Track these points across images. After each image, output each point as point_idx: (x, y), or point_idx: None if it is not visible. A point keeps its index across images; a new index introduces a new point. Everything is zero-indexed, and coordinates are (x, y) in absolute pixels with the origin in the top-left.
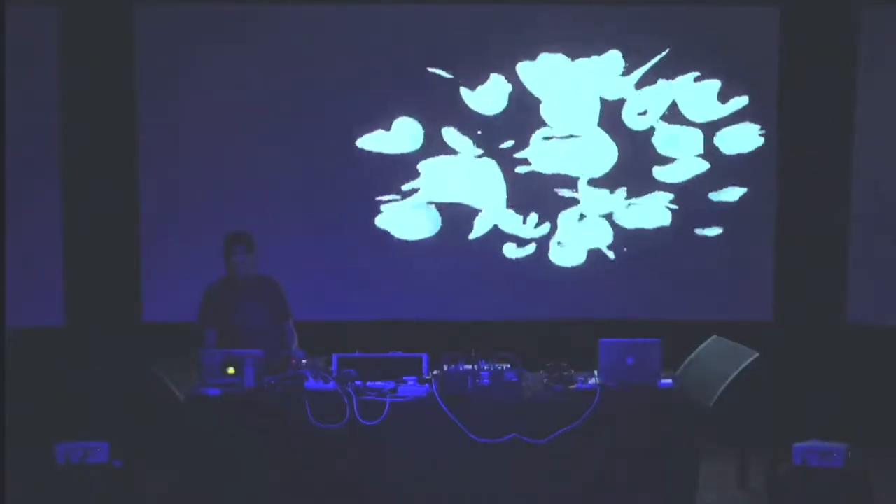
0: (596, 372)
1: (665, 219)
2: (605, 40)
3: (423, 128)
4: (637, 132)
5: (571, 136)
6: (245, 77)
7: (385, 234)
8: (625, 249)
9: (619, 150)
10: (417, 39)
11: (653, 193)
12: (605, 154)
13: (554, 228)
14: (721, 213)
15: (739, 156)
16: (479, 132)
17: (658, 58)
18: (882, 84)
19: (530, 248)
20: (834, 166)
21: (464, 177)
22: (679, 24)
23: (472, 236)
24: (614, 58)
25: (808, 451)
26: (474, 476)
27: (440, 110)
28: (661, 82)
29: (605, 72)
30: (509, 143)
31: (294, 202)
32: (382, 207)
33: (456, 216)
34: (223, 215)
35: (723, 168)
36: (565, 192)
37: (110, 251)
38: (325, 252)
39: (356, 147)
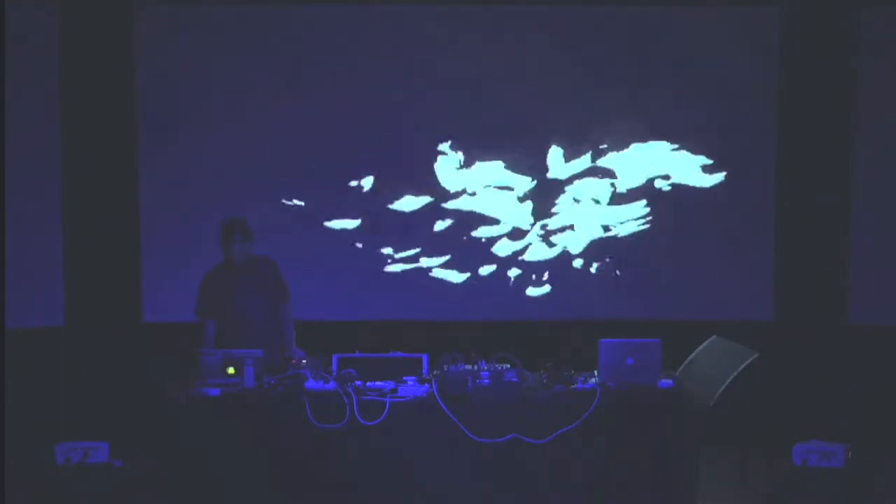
0: (596, 372)
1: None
2: (605, 42)
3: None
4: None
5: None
6: (245, 77)
7: (385, 234)
8: (608, 259)
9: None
10: (421, 38)
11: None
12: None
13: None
14: (721, 212)
15: (739, 156)
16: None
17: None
18: (882, 84)
19: (529, 249)
20: (834, 166)
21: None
22: (679, 24)
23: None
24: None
25: (808, 451)
26: (474, 476)
27: (444, 113)
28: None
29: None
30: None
31: (294, 202)
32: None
33: (459, 218)
34: (223, 215)
35: (722, 167)
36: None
37: (110, 251)
38: (325, 252)
39: (358, 146)
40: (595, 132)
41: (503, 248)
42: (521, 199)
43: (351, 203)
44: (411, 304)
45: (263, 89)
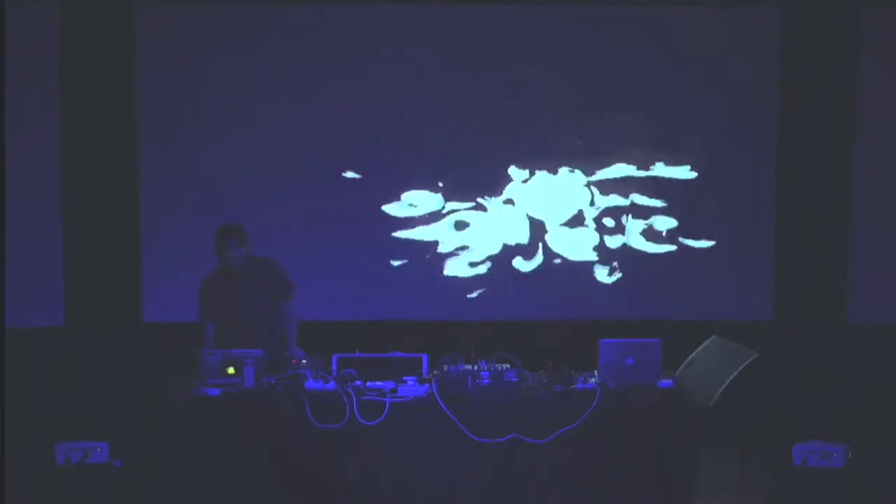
0: (596, 372)
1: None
2: (605, 42)
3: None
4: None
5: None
6: (245, 77)
7: (386, 235)
8: (615, 264)
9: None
10: (421, 38)
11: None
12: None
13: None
14: (721, 213)
15: (739, 156)
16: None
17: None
18: (882, 84)
19: (529, 253)
20: (834, 166)
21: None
22: (679, 24)
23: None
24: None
25: (808, 451)
26: (474, 476)
27: (444, 112)
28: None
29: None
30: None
31: (294, 202)
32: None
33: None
34: (223, 215)
35: (722, 167)
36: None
37: (110, 251)
38: (325, 252)
39: (358, 146)
40: (594, 133)
41: (506, 250)
42: (520, 200)
43: (351, 203)
44: (411, 304)
45: (263, 89)
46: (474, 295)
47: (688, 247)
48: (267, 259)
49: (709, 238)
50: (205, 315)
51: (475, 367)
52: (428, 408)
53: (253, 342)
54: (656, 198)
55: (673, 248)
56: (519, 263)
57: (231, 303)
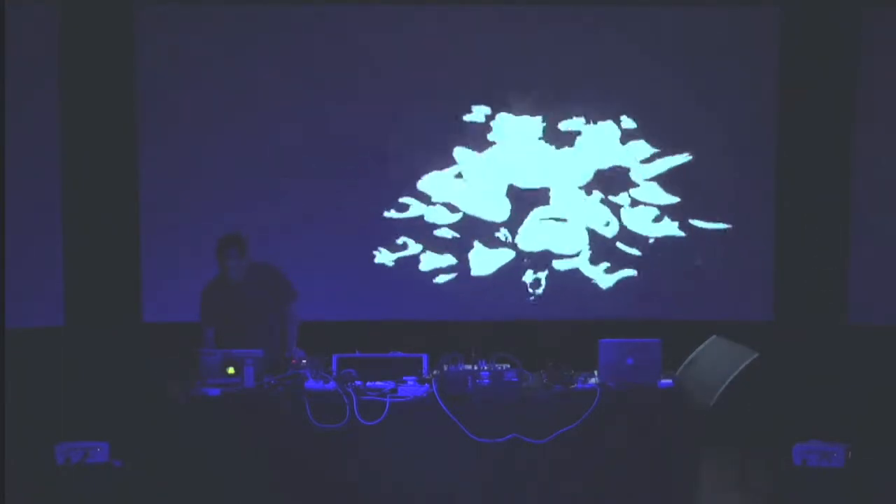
0: (596, 372)
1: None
2: (605, 42)
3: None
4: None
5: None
6: (245, 77)
7: (386, 235)
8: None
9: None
10: (421, 38)
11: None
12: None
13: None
14: (721, 213)
15: (739, 156)
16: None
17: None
18: (882, 84)
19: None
20: (834, 166)
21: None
22: (680, 24)
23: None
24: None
25: (808, 451)
26: (474, 476)
27: (444, 113)
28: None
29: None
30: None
31: (294, 202)
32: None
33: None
34: (223, 215)
35: (722, 167)
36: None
37: (110, 251)
38: (325, 252)
39: (358, 147)
40: (594, 133)
41: (504, 252)
42: (520, 199)
43: (352, 203)
44: (411, 304)
45: (263, 89)
46: (473, 295)
47: (688, 245)
48: (266, 264)
49: (708, 237)
50: (206, 322)
51: (475, 367)
52: (428, 408)
53: (253, 344)
54: (657, 197)
55: (679, 232)
56: (523, 272)
57: (232, 309)
